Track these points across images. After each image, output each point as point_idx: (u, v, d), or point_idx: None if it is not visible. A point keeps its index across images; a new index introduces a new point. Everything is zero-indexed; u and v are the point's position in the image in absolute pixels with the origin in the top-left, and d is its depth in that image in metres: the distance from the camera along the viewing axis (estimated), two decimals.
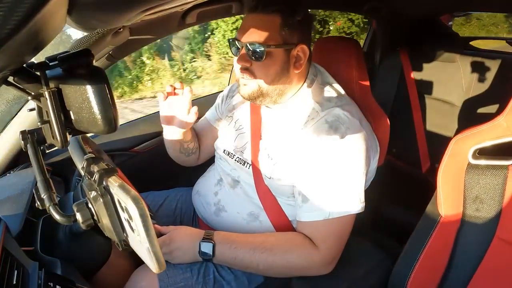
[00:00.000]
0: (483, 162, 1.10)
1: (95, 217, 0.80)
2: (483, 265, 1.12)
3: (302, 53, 1.26)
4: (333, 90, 1.36)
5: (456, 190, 1.14)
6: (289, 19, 1.21)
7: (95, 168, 0.79)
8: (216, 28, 8.32)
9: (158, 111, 1.43)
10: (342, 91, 1.39)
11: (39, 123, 0.74)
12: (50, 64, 0.69)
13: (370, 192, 1.30)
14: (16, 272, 0.95)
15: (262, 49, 1.19)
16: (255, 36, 1.21)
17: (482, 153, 1.11)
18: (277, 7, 1.21)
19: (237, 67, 1.27)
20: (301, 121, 1.30)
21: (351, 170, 1.22)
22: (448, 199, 1.16)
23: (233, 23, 7.84)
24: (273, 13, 1.21)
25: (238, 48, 1.26)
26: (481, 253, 1.12)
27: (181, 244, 1.27)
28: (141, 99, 8.31)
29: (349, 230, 1.26)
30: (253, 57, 1.22)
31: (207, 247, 1.26)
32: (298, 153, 1.26)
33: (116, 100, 0.73)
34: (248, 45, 1.21)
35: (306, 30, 1.29)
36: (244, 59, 1.24)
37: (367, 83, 1.61)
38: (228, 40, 1.30)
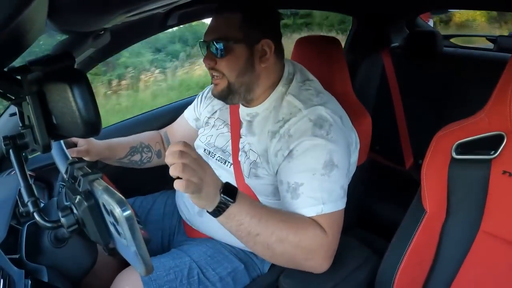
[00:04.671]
0: (466, 156, 1.12)
1: (80, 222, 0.79)
2: (468, 258, 1.13)
3: (267, 47, 1.29)
4: (312, 87, 1.36)
5: (440, 185, 1.16)
6: (250, 15, 1.26)
7: (78, 173, 0.79)
8: None
9: (140, 114, 1.43)
10: (322, 88, 1.40)
11: (20, 128, 0.73)
12: (31, 67, 0.68)
13: (355, 190, 1.31)
14: (2, 281, 0.94)
15: (222, 45, 1.25)
16: (215, 34, 1.27)
17: (465, 148, 1.12)
18: (236, 6, 1.27)
19: (207, 67, 1.33)
20: (281, 119, 1.30)
21: (337, 166, 1.22)
22: (433, 195, 1.17)
23: None
24: (233, 11, 1.26)
25: (205, 49, 1.31)
26: (467, 247, 1.13)
27: (210, 174, 1.09)
28: None
29: (341, 225, 1.26)
30: (216, 54, 1.27)
31: (230, 188, 1.10)
32: (281, 151, 1.26)
33: None
34: (210, 43, 1.27)
35: (271, 24, 1.33)
36: (209, 57, 1.29)
37: (349, 81, 1.62)
38: (198, 42, 1.35)
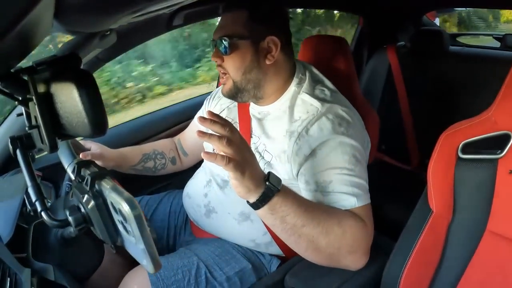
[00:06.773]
0: (472, 156, 1.11)
1: (88, 221, 0.79)
2: (475, 258, 1.13)
3: (273, 45, 1.30)
4: (326, 87, 1.37)
5: (446, 185, 1.15)
6: (255, 13, 1.28)
7: (86, 172, 0.79)
8: None
9: (146, 114, 1.44)
10: (335, 88, 1.40)
11: (27, 128, 0.74)
12: (38, 68, 0.69)
13: None
14: (8, 279, 0.95)
15: (227, 42, 1.26)
16: (222, 32, 1.30)
17: (471, 147, 1.12)
18: (243, 4, 1.29)
19: (216, 65, 1.35)
20: (298, 118, 1.30)
21: (360, 162, 1.23)
22: (439, 194, 1.17)
23: None
24: (239, 9, 1.29)
25: (214, 47, 1.33)
26: (473, 247, 1.13)
27: (255, 159, 1.07)
28: None
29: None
30: (222, 52, 1.29)
31: (274, 177, 1.07)
32: (302, 150, 1.25)
33: None
34: (217, 41, 1.29)
35: (277, 22, 1.35)
36: (216, 55, 1.31)
37: (357, 81, 1.62)
38: (210, 42, 1.36)
